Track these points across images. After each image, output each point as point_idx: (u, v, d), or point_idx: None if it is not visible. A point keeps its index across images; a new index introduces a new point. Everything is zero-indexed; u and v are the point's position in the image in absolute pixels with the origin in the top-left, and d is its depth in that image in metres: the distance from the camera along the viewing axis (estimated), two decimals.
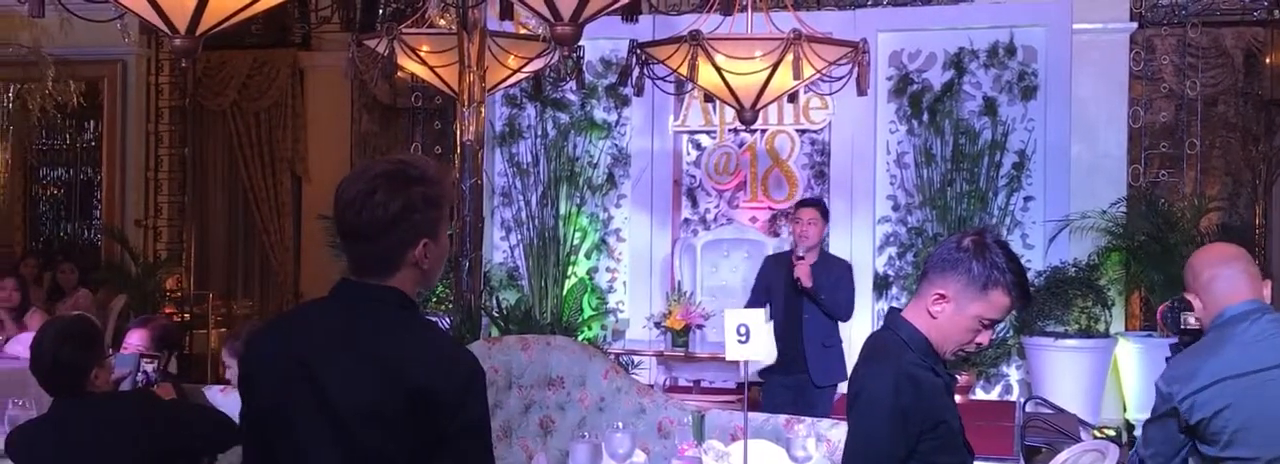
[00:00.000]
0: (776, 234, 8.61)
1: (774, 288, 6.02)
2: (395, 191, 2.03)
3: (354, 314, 2.07)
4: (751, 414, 4.06)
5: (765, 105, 6.25)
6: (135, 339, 4.30)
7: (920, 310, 2.55)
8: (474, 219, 5.89)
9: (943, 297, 2.51)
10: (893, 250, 8.39)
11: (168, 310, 10.08)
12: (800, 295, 5.84)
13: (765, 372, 6.07)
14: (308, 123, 10.59)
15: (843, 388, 7.99)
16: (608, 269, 8.93)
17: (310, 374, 2.02)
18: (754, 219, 8.68)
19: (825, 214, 6.06)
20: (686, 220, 8.93)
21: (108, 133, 10.43)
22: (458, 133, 6.05)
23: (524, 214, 8.83)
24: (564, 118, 8.86)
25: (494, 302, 7.29)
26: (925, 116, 8.26)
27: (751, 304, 6.34)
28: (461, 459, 1.99)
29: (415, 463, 1.98)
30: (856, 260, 8.33)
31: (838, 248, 8.42)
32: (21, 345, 6.29)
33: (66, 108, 9.91)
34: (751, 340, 3.20)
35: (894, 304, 7.84)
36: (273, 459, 2.08)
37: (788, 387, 5.66)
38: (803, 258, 5.87)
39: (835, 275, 5.95)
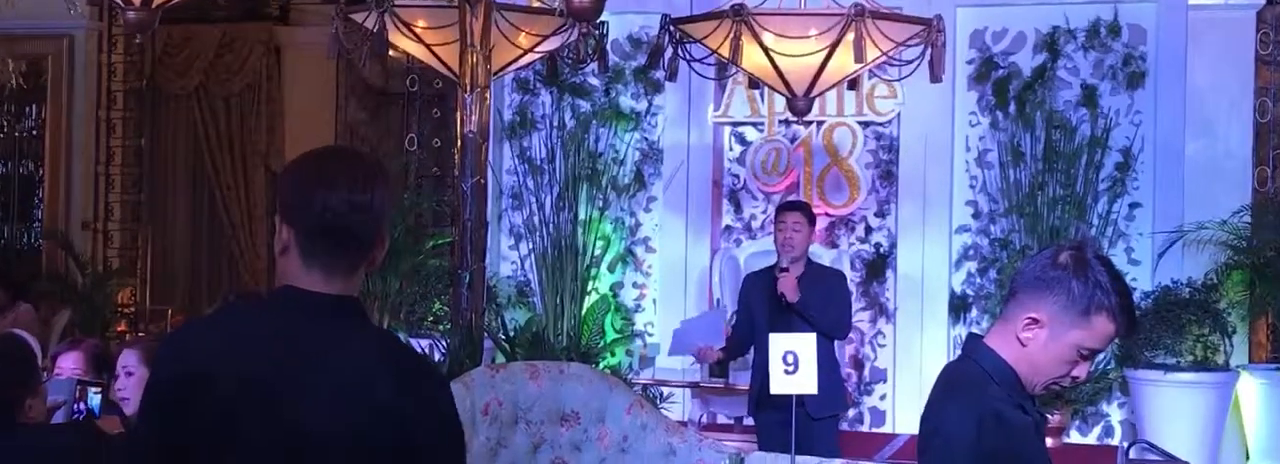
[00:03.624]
0: (835, 245, 8.58)
1: (755, 308, 6.08)
2: (386, 186, 2.14)
3: (316, 328, 2.11)
4: (801, 458, 4.02)
5: (821, 93, 6.22)
6: (69, 363, 4.31)
7: (1007, 337, 2.53)
8: (476, 225, 5.89)
9: (1035, 321, 2.49)
10: (972, 265, 8.34)
11: (119, 329, 10.13)
12: (787, 313, 5.89)
13: (755, 408, 6.09)
14: (285, 109, 10.64)
15: (850, 421, 7.96)
16: (635, 285, 8.91)
17: (268, 399, 2.05)
18: None
19: (811, 219, 6.14)
20: (728, 228, 8.90)
21: (51, 120, 10.51)
22: (459, 123, 6.05)
23: (537, 219, 8.83)
24: (585, 106, 8.85)
25: (499, 322, 7.28)
26: (1012, 107, 8.21)
27: (737, 330, 6.40)
28: None
29: None
30: (929, 276, 8.31)
31: (907, 261, 8.39)
32: None
33: (4, 90, 9.98)
34: (800, 370, 3.16)
35: (974, 329, 7.78)
36: None
37: (782, 423, 5.63)
38: (786, 270, 5.93)
39: (827, 287, 6.01)
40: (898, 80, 7.48)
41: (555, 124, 8.86)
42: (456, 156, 6.11)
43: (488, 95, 6.01)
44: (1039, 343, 2.48)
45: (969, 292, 8.33)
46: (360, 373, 2.07)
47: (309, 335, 2.10)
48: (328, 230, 2.11)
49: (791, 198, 8.43)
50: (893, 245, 8.52)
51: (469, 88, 5.89)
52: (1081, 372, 2.53)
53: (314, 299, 2.12)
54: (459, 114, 6.04)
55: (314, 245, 2.12)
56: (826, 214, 8.54)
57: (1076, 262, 2.48)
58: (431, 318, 8.38)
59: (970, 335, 2.63)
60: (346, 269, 2.14)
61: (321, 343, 2.10)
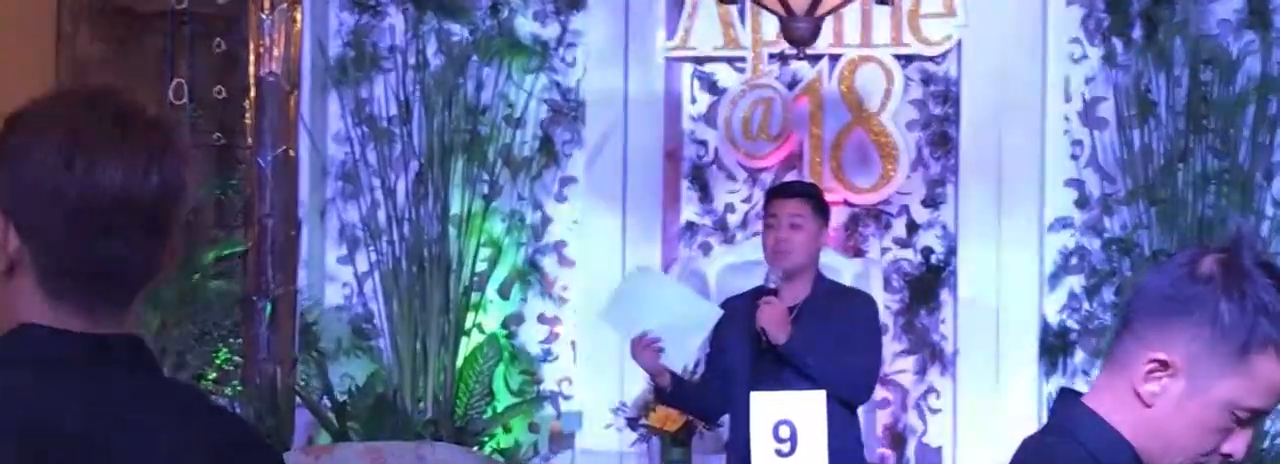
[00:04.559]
0: (860, 251, 8.61)
1: (733, 351, 6.19)
2: (181, 159, 2.10)
3: (82, 392, 2.07)
4: None
5: (834, 9, 6.24)
6: None
7: (1121, 392, 2.55)
8: (282, 224, 5.89)
9: (1164, 366, 2.50)
10: (1076, 282, 8.39)
11: None
12: (771, 359, 6.00)
13: None
14: None
15: None
16: (542, 318, 8.93)
17: None
18: None
19: (821, 211, 6.27)
20: (691, 226, 8.93)
21: None
22: (253, 61, 6.03)
23: (384, 215, 8.80)
24: (460, 33, 8.85)
25: (323, 379, 7.26)
26: (1138, 32, 8.26)
27: (707, 382, 6.52)
28: None
29: None
30: (1008, 300, 8.35)
31: (974, 277, 8.42)
32: None
33: None
34: (800, 449, 3.19)
35: (1076, 384, 7.83)
36: None
37: None
38: (775, 293, 6.04)
39: (843, 319, 6.13)
40: None
41: (411, 62, 8.84)
42: (250, 115, 6.10)
43: (299, 15, 6.00)
44: (1170, 400, 2.51)
45: (1071, 324, 8.37)
46: (159, 456, 2.07)
47: (74, 404, 2.06)
48: (89, 242, 2.07)
49: (790, 178, 8.46)
50: (951, 252, 8.56)
51: (269, 4, 5.87)
52: (1238, 446, 2.54)
53: (73, 345, 2.08)
54: (253, 46, 6.02)
55: (63, 263, 2.08)
56: (847, 203, 8.60)
57: (1227, 271, 2.49)
58: (213, 374, 8.34)
59: (1063, 392, 2.66)
60: (121, 297, 2.12)
61: (95, 415, 2.07)
